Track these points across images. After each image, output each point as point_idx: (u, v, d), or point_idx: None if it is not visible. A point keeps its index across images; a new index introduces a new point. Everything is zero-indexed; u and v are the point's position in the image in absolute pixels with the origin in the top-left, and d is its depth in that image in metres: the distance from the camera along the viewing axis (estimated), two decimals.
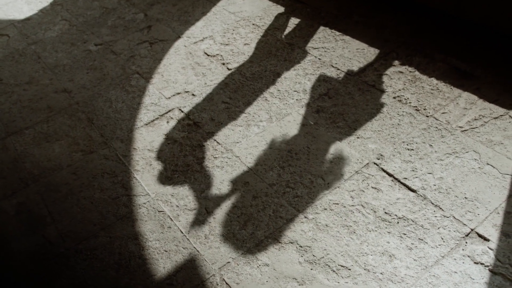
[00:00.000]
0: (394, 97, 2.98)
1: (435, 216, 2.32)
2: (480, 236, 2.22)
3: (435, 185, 2.46)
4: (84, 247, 2.42)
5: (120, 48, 3.85)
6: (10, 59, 3.93)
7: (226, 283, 2.18)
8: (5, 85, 3.63)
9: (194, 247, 2.34)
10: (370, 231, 2.30)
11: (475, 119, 2.76)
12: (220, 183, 2.63)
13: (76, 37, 4.09)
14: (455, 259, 2.15)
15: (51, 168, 2.88)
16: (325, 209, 2.42)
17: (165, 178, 2.71)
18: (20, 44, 4.09)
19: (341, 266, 2.18)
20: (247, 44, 3.65)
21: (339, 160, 2.66)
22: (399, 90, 3.03)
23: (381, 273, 2.14)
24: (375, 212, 2.38)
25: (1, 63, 3.88)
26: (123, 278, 2.26)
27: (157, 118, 3.11)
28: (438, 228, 2.27)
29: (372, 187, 2.49)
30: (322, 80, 3.20)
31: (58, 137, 3.09)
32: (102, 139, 3.03)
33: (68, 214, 2.60)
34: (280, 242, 2.31)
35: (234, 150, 2.80)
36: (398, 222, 2.32)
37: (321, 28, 3.69)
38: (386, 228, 2.31)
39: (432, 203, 2.38)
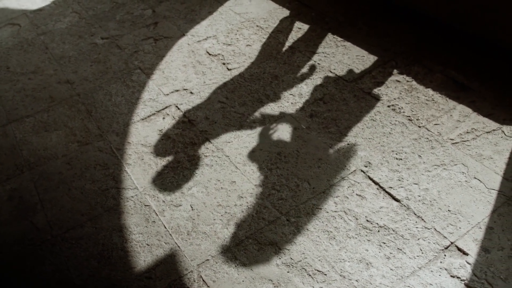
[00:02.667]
0: (389, 106, 2.98)
1: (416, 227, 2.32)
2: (459, 249, 2.21)
3: (419, 196, 2.46)
4: (70, 236, 2.48)
5: (125, 43, 3.91)
6: (19, 48, 4.02)
7: (203, 280, 2.21)
8: (11, 73, 3.72)
9: (176, 243, 2.38)
10: (350, 238, 2.32)
11: (467, 132, 2.75)
12: (208, 181, 2.66)
13: (84, 29, 4.16)
14: (432, 271, 2.15)
15: (46, 157, 2.95)
16: (307, 213, 2.44)
17: (155, 173, 2.75)
18: (30, 34, 4.18)
19: (318, 270, 2.20)
20: (249, 45, 3.68)
21: (327, 165, 2.67)
22: (394, 99, 3.03)
23: (356, 280, 2.15)
24: (357, 219, 2.39)
25: (10, 52, 3.98)
26: (104, 269, 2.31)
27: (154, 114, 3.16)
28: (418, 239, 2.27)
29: (357, 194, 2.50)
30: (319, 85, 3.21)
31: (56, 127, 3.16)
32: (99, 131, 3.08)
33: (58, 202, 2.66)
34: (260, 243, 2.33)
35: (225, 150, 2.83)
36: (378, 231, 2.33)
37: (324, 33, 3.70)
38: (366, 236, 2.31)
39: (415, 214, 2.38)
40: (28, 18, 4.42)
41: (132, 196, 2.64)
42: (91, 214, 2.58)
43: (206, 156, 2.81)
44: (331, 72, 3.31)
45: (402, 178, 2.55)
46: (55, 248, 2.43)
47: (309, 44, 3.61)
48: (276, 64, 3.45)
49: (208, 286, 2.19)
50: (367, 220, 2.38)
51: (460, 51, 3.34)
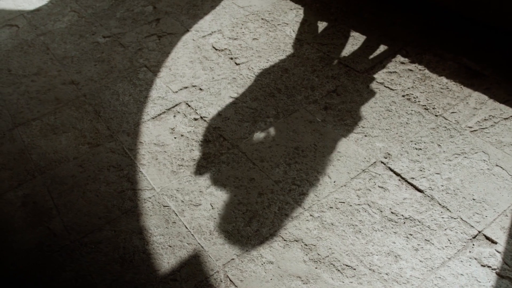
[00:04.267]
0: (403, 96, 2.95)
1: (442, 217, 2.29)
2: (487, 238, 2.19)
3: (442, 185, 2.43)
4: (89, 240, 2.43)
5: (128, 41, 3.83)
6: (19, 49, 3.93)
7: (230, 280, 2.17)
8: (13, 76, 3.63)
9: (199, 243, 2.34)
10: (376, 230, 2.29)
11: (485, 120, 2.72)
12: (226, 179, 2.61)
13: (84, 28, 4.08)
14: (461, 261, 2.12)
15: (57, 160, 2.88)
16: (331, 207, 2.41)
17: (171, 172, 2.70)
18: (29, 35, 4.09)
19: (346, 265, 2.17)
20: (256, 39, 3.62)
21: (346, 158, 2.64)
22: (408, 88, 2.99)
23: (386, 274, 2.12)
24: (381, 211, 2.36)
25: (10, 54, 3.89)
26: (127, 273, 2.26)
27: (164, 112, 3.10)
28: (445, 229, 2.25)
29: (379, 186, 2.47)
30: (331, 76, 3.17)
31: (65, 129, 3.09)
32: (109, 132, 3.02)
33: (74, 206, 2.60)
34: (285, 240, 2.30)
35: (240, 146, 2.79)
36: (404, 223, 2.30)
37: (330, 24, 3.66)
38: (392, 228, 2.29)
39: (440, 204, 2.35)
40: (25, 19, 4.32)
41: (149, 197, 2.59)
42: (109, 217, 2.52)
43: (222, 153, 2.76)
44: (341, 63, 3.26)
45: (423, 168, 2.52)
46: (75, 254, 2.38)
47: (317, 35, 3.56)
48: (285, 57, 3.40)
49: (236, 286, 2.15)
50: (392, 212, 2.35)
51: (468, 38, 3.31)
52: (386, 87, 3.03)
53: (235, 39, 3.66)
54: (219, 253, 2.29)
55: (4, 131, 3.13)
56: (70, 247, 2.41)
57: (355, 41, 3.45)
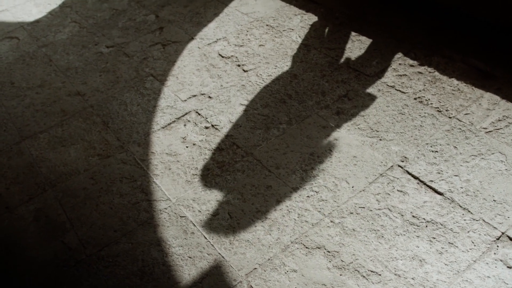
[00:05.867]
0: (415, 98, 2.94)
1: (464, 219, 2.28)
2: (511, 239, 2.18)
3: (462, 187, 2.41)
4: (106, 254, 2.38)
5: (132, 50, 3.80)
6: (21, 62, 3.88)
7: None
8: (17, 88, 3.58)
9: (219, 253, 2.30)
10: (398, 235, 2.26)
11: (499, 120, 2.72)
12: (242, 187, 2.58)
13: (87, 39, 4.04)
14: (487, 263, 2.11)
15: (67, 173, 2.83)
16: (351, 213, 2.38)
17: (186, 182, 2.66)
18: (31, 47, 4.04)
19: (371, 271, 2.14)
20: (262, 45, 3.60)
21: (363, 162, 2.61)
22: (420, 91, 2.99)
23: (412, 278, 2.09)
24: (402, 215, 2.34)
25: (12, 66, 3.83)
26: (147, 286, 2.21)
27: (174, 121, 3.07)
28: (468, 231, 2.23)
29: (398, 190, 2.45)
30: (341, 81, 3.15)
31: (73, 141, 3.04)
32: (119, 143, 2.98)
33: (88, 219, 2.55)
34: (307, 247, 2.27)
35: (255, 154, 2.76)
36: (426, 226, 2.28)
37: (336, 28, 3.65)
38: (415, 232, 2.26)
39: (460, 206, 2.33)
40: (25, 31, 4.28)
41: (165, 208, 2.54)
42: (125, 230, 2.48)
43: (236, 161, 2.73)
44: (350, 67, 3.25)
45: (441, 171, 2.51)
46: (92, 268, 2.33)
47: (323, 40, 3.55)
48: (292, 63, 3.38)
49: None
50: (413, 216, 2.33)
51: (475, 38, 3.31)
52: (397, 90, 3.02)
53: (241, 46, 3.64)
54: (240, 262, 2.25)
55: (11, 145, 3.08)
56: (87, 262, 2.36)
57: (362, 44, 3.44)
